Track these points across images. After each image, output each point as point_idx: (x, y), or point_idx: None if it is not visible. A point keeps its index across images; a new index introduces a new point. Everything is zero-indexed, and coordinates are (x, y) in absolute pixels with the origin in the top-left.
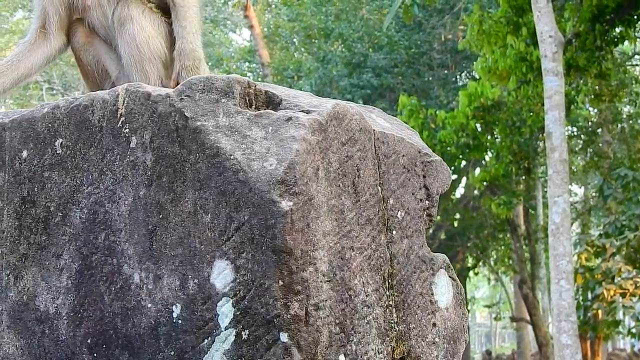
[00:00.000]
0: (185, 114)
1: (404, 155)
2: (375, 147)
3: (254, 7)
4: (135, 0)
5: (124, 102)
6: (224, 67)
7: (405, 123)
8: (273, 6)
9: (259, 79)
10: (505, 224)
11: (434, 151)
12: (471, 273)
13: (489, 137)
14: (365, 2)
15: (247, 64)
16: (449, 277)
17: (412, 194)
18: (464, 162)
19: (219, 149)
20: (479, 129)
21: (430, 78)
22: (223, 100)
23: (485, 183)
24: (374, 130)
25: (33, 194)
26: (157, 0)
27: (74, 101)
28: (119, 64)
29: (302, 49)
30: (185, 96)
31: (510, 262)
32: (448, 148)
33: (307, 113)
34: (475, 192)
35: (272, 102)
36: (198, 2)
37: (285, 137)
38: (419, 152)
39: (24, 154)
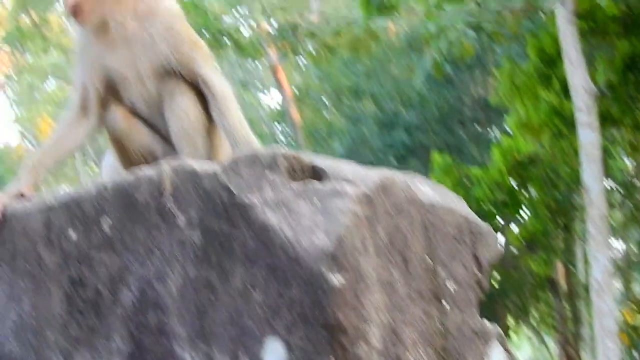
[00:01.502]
0: (232, 189)
1: (452, 225)
2: (423, 217)
3: (284, 69)
4: (182, 77)
5: (170, 179)
6: (255, 130)
7: (439, 181)
8: (303, 67)
9: (290, 140)
10: (545, 282)
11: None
12: (513, 334)
13: (524, 194)
14: (395, 59)
15: (278, 125)
16: (503, 348)
17: (462, 264)
18: (500, 220)
19: (266, 224)
20: (515, 185)
21: (463, 134)
22: (269, 174)
23: (523, 241)
24: (421, 200)
25: (82, 275)
26: (194, 84)
27: (120, 180)
28: (163, 143)
29: (333, 109)
30: (231, 171)
31: (553, 321)
32: (483, 205)
33: (353, 185)
34: (514, 250)
35: (318, 174)
36: (234, 94)
37: (333, 210)
38: (467, 220)
39: (72, 234)
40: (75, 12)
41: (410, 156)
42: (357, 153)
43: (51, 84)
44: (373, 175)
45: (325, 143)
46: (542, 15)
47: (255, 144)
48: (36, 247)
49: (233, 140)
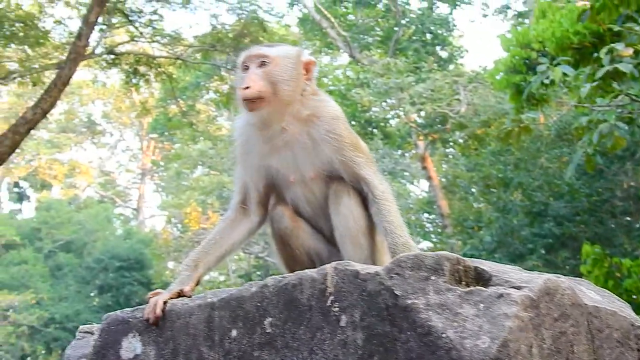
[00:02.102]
0: (395, 292)
1: (617, 329)
2: (587, 321)
3: (432, 158)
4: (341, 177)
5: (332, 280)
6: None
7: (589, 272)
8: (451, 156)
9: (438, 230)
10: None
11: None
12: None
13: None
14: (544, 150)
15: (426, 215)
16: None
17: None
18: None
19: (430, 327)
20: None
21: (613, 226)
22: (433, 278)
23: None
24: (586, 304)
25: None
26: (356, 185)
27: (282, 280)
28: (327, 244)
29: (481, 199)
30: (395, 274)
31: None
32: (634, 297)
33: (518, 289)
34: None
35: (482, 278)
36: (393, 194)
37: (498, 314)
38: (632, 325)
39: (234, 332)
40: (253, 100)
41: (560, 247)
42: (506, 243)
43: (198, 171)
44: (537, 279)
45: (473, 233)
46: None
47: (413, 247)
48: (197, 344)
49: (391, 242)
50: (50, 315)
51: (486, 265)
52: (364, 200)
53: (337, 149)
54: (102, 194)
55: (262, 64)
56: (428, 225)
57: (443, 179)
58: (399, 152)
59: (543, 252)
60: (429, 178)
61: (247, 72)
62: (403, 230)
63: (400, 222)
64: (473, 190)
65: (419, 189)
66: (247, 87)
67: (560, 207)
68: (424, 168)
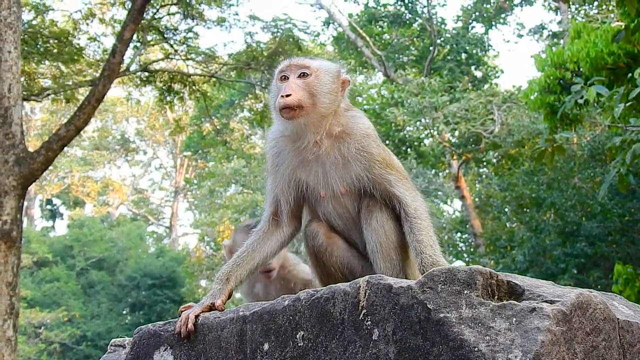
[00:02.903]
0: (428, 306)
1: None
2: (619, 336)
3: (465, 178)
4: (377, 194)
5: (365, 294)
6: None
7: (621, 292)
8: (484, 176)
9: (471, 249)
10: None
11: None
12: None
13: None
14: (577, 170)
15: (458, 234)
16: None
17: None
18: None
19: (462, 340)
20: None
21: None
22: (465, 292)
23: None
24: (618, 319)
25: None
26: (388, 201)
27: (315, 293)
28: (360, 259)
29: (514, 219)
30: (428, 288)
31: None
32: None
33: (550, 303)
34: None
35: (515, 292)
36: (428, 211)
37: (530, 328)
38: None
39: (265, 346)
40: (293, 108)
41: (592, 267)
42: (538, 263)
43: (231, 190)
44: (569, 293)
45: (506, 252)
46: None
47: (443, 262)
48: (229, 357)
49: (420, 262)
50: (82, 332)
51: (519, 280)
52: (398, 215)
53: (368, 166)
54: (135, 211)
55: (303, 75)
56: (461, 244)
57: (476, 199)
58: (433, 171)
59: (575, 271)
60: (462, 197)
61: (286, 81)
62: (433, 249)
63: (431, 241)
64: (506, 209)
65: (452, 208)
66: (288, 95)
67: (592, 227)
68: (457, 187)
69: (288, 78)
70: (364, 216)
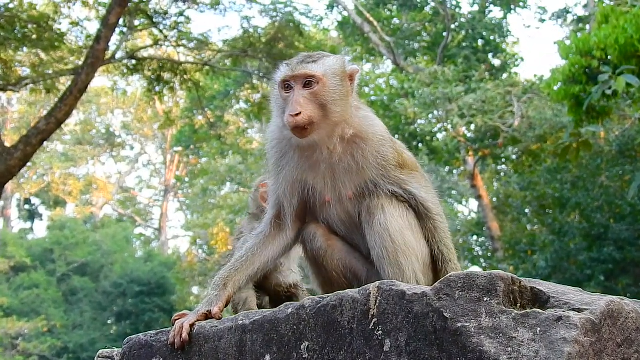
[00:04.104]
0: (445, 314)
1: None
2: None
3: (482, 176)
4: (382, 193)
5: (376, 301)
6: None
7: None
8: (503, 174)
9: (488, 254)
10: None
11: None
12: None
13: None
14: (604, 168)
15: (474, 237)
16: None
17: None
18: None
19: (482, 352)
20: None
21: None
22: (485, 299)
23: None
24: None
25: None
26: (403, 196)
27: (321, 301)
28: (365, 263)
29: (536, 220)
30: (444, 295)
31: None
32: None
33: (578, 312)
34: None
35: (539, 300)
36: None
37: (556, 339)
38: None
39: (267, 358)
40: (305, 127)
41: (621, 273)
42: (562, 269)
43: (226, 188)
44: (599, 301)
45: (526, 257)
46: None
47: (457, 268)
48: None
49: (440, 260)
50: (64, 344)
51: (544, 286)
52: (401, 213)
53: (384, 172)
54: (121, 212)
55: (308, 85)
56: (477, 248)
57: (494, 199)
58: (447, 168)
59: (602, 278)
60: (478, 197)
61: (290, 92)
62: (450, 250)
63: (448, 240)
64: (526, 210)
65: (468, 209)
66: (298, 114)
67: (621, 229)
68: (474, 186)
69: (292, 88)
70: (365, 219)
